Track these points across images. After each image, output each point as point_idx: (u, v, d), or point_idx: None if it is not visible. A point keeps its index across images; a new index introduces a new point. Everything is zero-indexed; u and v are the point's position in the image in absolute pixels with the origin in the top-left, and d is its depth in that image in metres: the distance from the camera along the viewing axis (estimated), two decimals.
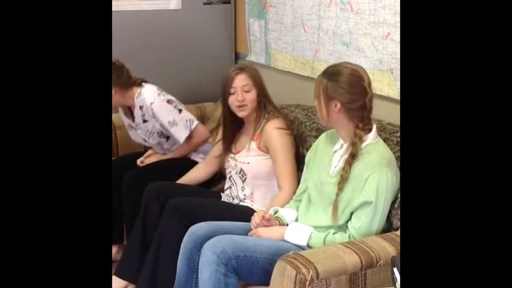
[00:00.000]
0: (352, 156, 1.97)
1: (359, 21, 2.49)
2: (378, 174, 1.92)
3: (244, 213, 2.31)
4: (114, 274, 2.52)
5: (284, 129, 2.43)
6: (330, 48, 2.68)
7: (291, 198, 2.29)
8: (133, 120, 2.90)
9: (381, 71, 2.39)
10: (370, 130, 2.02)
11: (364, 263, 1.76)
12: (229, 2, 3.47)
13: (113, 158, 3.08)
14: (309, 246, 2.00)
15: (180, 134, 2.80)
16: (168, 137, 2.90)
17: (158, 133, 2.87)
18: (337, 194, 1.98)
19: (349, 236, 1.96)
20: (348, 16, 2.54)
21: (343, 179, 1.97)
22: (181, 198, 2.41)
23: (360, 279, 1.77)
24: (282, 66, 3.08)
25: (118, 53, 3.18)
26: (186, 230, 2.17)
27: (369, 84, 2.03)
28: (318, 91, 2.04)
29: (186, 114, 2.83)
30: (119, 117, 3.19)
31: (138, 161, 2.89)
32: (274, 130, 2.41)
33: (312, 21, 2.79)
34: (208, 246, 1.98)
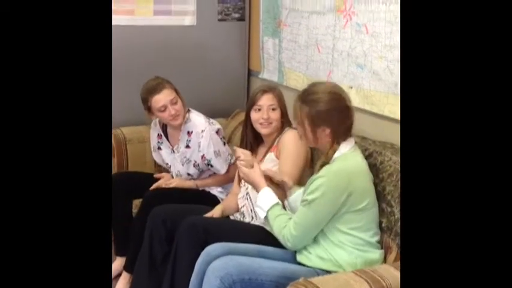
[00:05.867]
0: (321, 166, 2.00)
1: (374, 43, 2.47)
2: (321, 179, 1.94)
3: (259, 233, 2.27)
4: None
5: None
6: (344, 69, 2.67)
7: None
8: (167, 141, 2.89)
9: (396, 95, 2.38)
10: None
11: None
12: (243, 20, 3.48)
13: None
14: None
15: (222, 165, 2.82)
16: (199, 169, 2.86)
17: (194, 162, 2.83)
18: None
19: (289, 228, 2.00)
20: (363, 38, 2.53)
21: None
22: (196, 216, 2.38)
23: None
24: (295, 85, 3.07)
25: (131, 67, 3.20)
26: (202, 249, 2.13)
27: (349, 100, 2.04)
28: (299, 118, 2.02)
29: (228, 148, 2.86)
30: (129, 130, 3.19)
31: (154, 186, 2.83)
32: (290, 136, 2.40)
33: (326, 42, 2.79)
34: (213, 269, 1.96)
